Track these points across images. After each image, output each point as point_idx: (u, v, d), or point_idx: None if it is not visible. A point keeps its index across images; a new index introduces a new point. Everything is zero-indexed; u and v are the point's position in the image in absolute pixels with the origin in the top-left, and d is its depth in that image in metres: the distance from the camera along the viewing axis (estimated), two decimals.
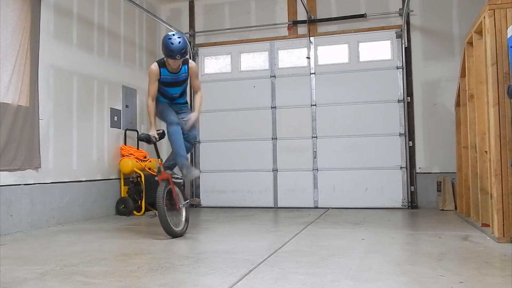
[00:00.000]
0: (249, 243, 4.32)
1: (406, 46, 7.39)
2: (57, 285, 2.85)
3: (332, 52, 7.80)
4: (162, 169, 4.68)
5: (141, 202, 6.78)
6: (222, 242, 4.38)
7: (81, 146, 6.29)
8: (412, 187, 7.31)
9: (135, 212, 6.76)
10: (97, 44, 6.73)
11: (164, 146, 7.29)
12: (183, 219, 4.81)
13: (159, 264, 3.37)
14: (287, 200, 7.79)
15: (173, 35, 4.49)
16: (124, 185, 6.97)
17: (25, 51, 5.27)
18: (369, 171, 7.45)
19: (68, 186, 5.99)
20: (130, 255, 3.81)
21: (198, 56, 8.42)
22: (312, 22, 7.81)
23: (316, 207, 7.56)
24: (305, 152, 7.77)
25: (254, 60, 8.19)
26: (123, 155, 6.99)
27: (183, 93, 4.99)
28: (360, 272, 3.05)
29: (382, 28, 7.58)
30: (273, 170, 7.92)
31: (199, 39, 8.47)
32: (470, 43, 4.93)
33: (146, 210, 6.81)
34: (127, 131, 7.27)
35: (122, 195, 6.93)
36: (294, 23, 7.95)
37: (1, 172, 4.93)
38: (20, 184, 5.21)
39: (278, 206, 7.81)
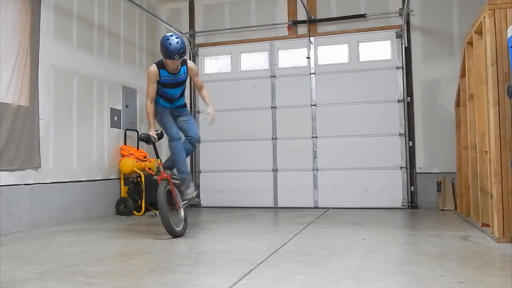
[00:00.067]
0: (249, 243, 4.32)
1: (406, 46, 7.39)
2: (57, 285, 2.85)
3: (332, 52, 7.80)
4: (161, 169, 4.70)
5: (141, 202, 6.78)
6: (222, 242, 4.38)
7: (81, 146, 6.29)
8: (412, 187, 7.31)
9: (135, 212, 6.76)
10: (97, 44, 6.73)
11: (164, 146, 7.28)
12: (182, 219, 4.81)
13: (159, 264, 3.37)
14: (287, 200, 7.79)
15: (171, 35, 4.53)
16: (124, 185, 6.98)
17: (25, 51, 5.27)
18: (369, 171, 7.45)
19: (68, 186, 5.99)
20: (130, 255, 3.81)
21: (198, 56, 8.42)
22: (312, 22, 7.81)
23: (316, 207, 7.56)
24: (305, 152, 7.77)
25: (254, 60, 8.19)
26: (123, 155, 7.00)
27: (183, 94, 5.03)
28: (360, 272, 3.05)
29: (382, 28, 7.58)
30: (273, 170, 7.92)
31: (199, 39, 8.47)
32: (470, 43, 4.93)
33: (146, 210, 6.81)
34: (127, 131, 7.28)
35: (122, 195, 6.93)
36: (294, 23, 7.95)
37: (1, 172, 4.93)
38: (20, 184, 5.21)
39: (278, 206, 7.81)
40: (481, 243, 4.05)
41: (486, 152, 4.42)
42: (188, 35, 8.36)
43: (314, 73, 7.82)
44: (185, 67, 4.82)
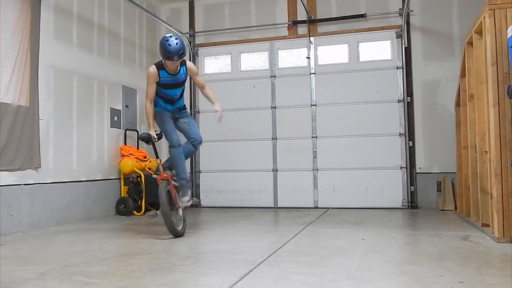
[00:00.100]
0: (249, 243, 4.32)
1: (406, 46, 7.39)
2: (57, 285, 2.85)
3: (332, 52, 7.80)
4: (161, 169, 4.71)
5: (141, 202, 6.79)
6: (222, 242, 4.38)
7: (81, 146, 6.29)
8: (412, 187, 7.31)
9: (135, 212, 6.77)
10: (97, 44, 6.73)
11: (164, 146, 7.27)
12: (181, 218, 4.82)
13: (159, 264, 3.37)
14: (287, 200, 7.79)
15: (170, 36, 4.54)
16: (124, 185, 6.98)
17: (25, 51, 5.27)
18: (369, 171, 7.45)
19: (68, 186, 5.99)
20: (130, 255, 3.81)
21: (198, 56, 8.42)
22: (312, 22, 7.81)
23: (316, 207, 7.56)
24: (305, 152, 7.77)
25: (254, 60, 8.19)
26: (123, 155, 7.00)
27: (182, 95, 5.02)
28: (360, 272, 3.05)
29: (382, 28, 7.58)
30: (273, 170, 7.92)
31: (199, 39, 8.47)
32: (470, 43, 4.93)
33: (146, 210, 6.79)
34: (127, 131, 7.28)
35: (122, 195, 6.93)
36: (294, 23, 7.95)
37: (1, 172, 4.93)
38: (20, 184, 5.21)
39: (278, 206, 7.81)
40: (481, 243, 4.05)
41: (486, 152, 4.42)
42: (188, 35, 8.36)
43: (314, 73, 7.82)
44: (184, 67, 4.82)
